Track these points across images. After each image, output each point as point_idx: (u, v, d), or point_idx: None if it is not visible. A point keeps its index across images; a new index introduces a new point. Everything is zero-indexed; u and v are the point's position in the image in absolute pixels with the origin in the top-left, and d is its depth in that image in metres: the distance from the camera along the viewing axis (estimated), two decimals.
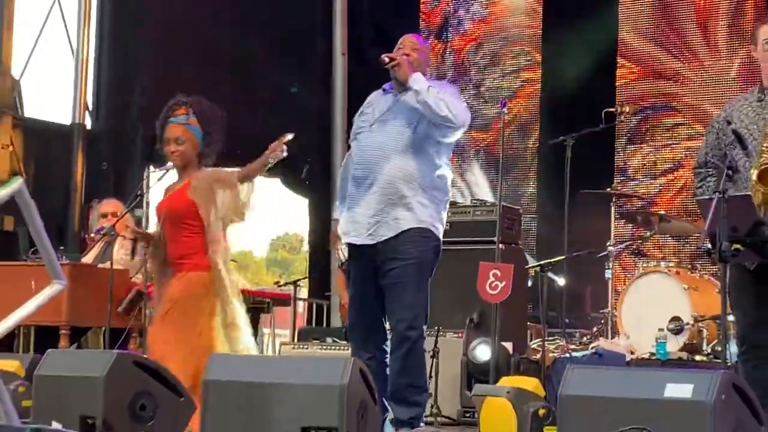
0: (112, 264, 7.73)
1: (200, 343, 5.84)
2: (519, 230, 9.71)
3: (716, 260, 5.16)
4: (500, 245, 8.36)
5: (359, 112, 6.52)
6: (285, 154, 6.18)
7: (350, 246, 6.27)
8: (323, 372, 4.89)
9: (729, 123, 5.26)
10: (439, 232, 6.24)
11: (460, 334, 8.39)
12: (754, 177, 5.00)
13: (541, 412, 4.74)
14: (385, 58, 6.13)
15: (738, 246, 4.93)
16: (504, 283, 7.04)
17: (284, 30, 11.85)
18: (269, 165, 6.26)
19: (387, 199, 6.06)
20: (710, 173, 5.45)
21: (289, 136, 6.19)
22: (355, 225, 6.20)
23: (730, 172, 5.11)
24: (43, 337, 7.69)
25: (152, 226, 8.30)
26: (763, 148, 5.02)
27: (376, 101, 6.38)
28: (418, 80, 6.08)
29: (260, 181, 12.08)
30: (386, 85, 6.41)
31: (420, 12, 13.47)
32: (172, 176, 6.63)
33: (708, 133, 5.51)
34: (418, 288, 6.08)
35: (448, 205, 6.40)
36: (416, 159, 6.09)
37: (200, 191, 6.08)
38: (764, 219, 4.99)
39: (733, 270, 5.30)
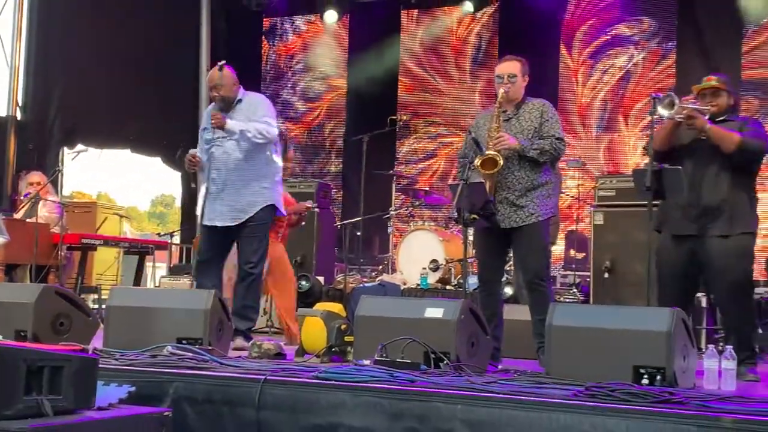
0: (37, 219, 7.59)
1: None
2: (330, 198, 9.87)
3: (461, 225, 5.28)
4: (317, 209, 8.53)
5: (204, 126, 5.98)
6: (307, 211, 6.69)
7: None
8: (193, 300, 4.92)
9: (470, 133, 5.28)
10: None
11: None
12: (478, 164, 5.06)
13: (343, 327, 4.74)
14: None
15: (474, 216, 5.04)
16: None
17: (170, 47, 11.52)
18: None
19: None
20: (464, 163, 5.25)
21: (309, 203, 6.56)
22: None
23: (472, 165, 5.22)
24: None
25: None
26: (489, 146, 5.09)
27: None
28: (233, 128, 5.73)
29: (145, 159, 11.87)
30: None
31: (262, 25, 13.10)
32: (84, 156, 6.59)
33: (466, 135, 5.43)
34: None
35: None
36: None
37: None
38: (491, 198, 5.11)
39: (476, 229, 5.39)
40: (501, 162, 5.05)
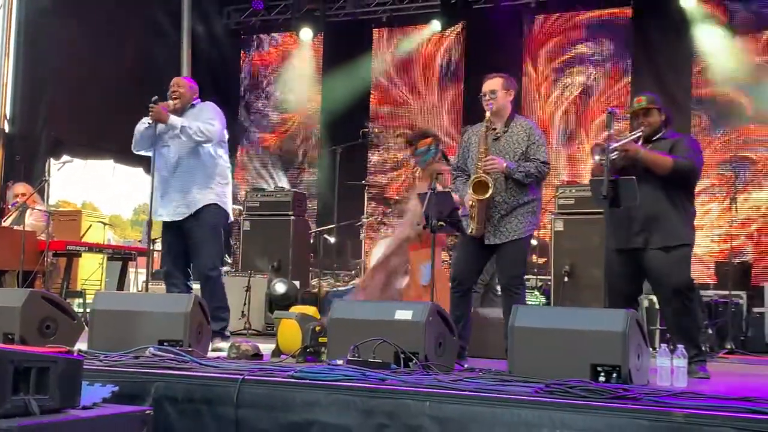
0: (24, 227, 7.51)
1: None
2: (305, 207, 9.86)
3: (429, 231, 5.31)
4: (292, 216, 8.52)
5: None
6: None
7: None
8: (174, 304, 4.90)
9: (461, 145, 5.31)
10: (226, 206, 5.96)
11: (265, 275, 8.45)
12: (470, 191, 5.07)
13: (318, 328, 4.72)
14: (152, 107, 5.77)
15: (442, 223, 5.10)
16: None
17: (152, 62, 11.42)
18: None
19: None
20: (459, 175, 5.36)
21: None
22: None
23: (454, 173, 5.31)
24: None
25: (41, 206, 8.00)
26: (478, 168, 5.07)
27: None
28: (174, 122, 5.76)
29: (127, 169, 11.73)
30: None
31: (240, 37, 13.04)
32: (69, 167, 6.50)
33: (459, 148, 5.45)
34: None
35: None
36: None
37: None
38: (458, 207, 5.16)
39: (460, 235, 5.39)
40: (492, 186, 5.02)
